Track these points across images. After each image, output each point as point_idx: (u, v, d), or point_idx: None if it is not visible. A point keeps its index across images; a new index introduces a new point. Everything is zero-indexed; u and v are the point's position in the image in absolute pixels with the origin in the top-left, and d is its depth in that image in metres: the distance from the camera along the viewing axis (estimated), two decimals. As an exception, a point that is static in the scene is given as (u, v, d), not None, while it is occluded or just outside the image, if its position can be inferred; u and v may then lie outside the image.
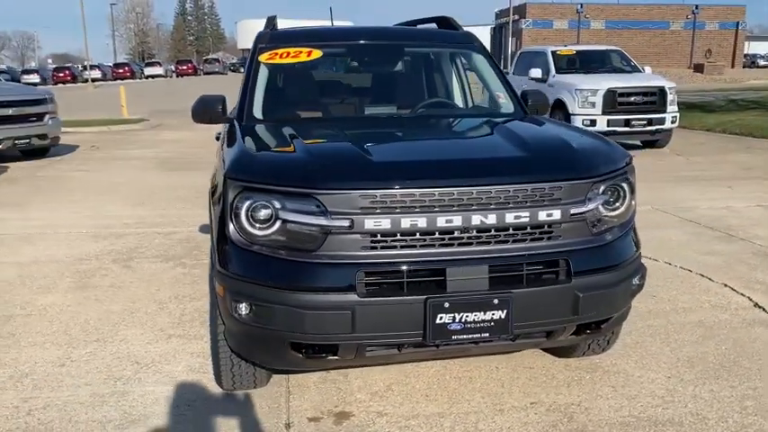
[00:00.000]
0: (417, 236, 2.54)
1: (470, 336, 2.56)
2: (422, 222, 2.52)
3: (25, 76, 51.39)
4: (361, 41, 4.14)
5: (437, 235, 2.56)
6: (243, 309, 2.60)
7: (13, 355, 3.64)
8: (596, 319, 2.80)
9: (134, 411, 3.04)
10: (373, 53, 4.18)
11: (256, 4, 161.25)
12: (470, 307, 2.53)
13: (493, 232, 2.60)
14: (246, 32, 71.79)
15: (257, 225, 2.59)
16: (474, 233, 2.58)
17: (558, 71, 12.75)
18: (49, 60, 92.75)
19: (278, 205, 2.56)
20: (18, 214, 7.29)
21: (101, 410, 3.05)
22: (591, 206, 2.73)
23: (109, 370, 3.46)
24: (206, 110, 3.65)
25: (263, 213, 2.58)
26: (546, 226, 2.65)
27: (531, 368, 3.45)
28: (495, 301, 2.54)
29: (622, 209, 2.91)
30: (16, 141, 10.99)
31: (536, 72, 12.81)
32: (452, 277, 2.54)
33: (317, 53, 3.95)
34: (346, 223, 2.50)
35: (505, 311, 2.55)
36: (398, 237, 2.53)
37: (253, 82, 3.83)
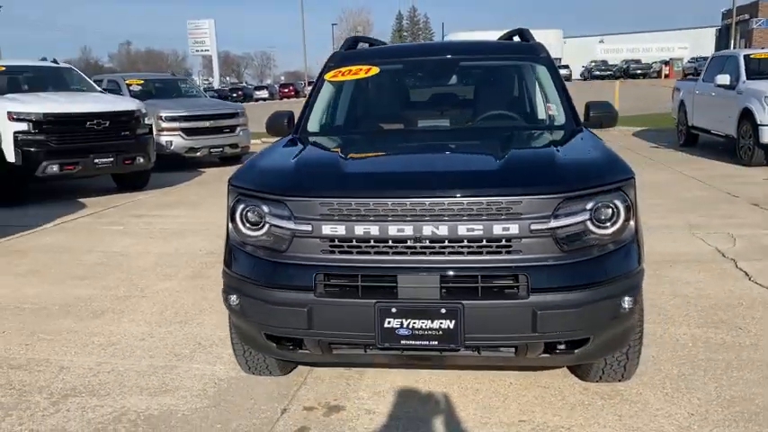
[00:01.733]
0: (372, 243, 2.69)
1: (418, 342, 2.65)
2: (375, 230, 2.67)
3: (257, 92, 57.78)
4: (420, 57, 4.31)
5: (390, 243, 2.68)
6: (233, 300, 2.95)
7: (113, 328, 4.37)
8: (564, 339, 2.70)
9: (171, 383, 3.54)
10: (429, 68, 4.32)
11: (468, 18, 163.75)
12: (417, 314, 2.62)
13: (446, 243, 2.65)
14: (455, 45, 73.57)
15: (249, 227, 2.92)
16: (427, 243, 2.66)
17: (750, 77, 11.45)
18: (282, 77, 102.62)
19: (266, 210, 2.87)
20: (188, 211, 8.46)
21: (147, 379, 3.59)
22: (562, 222, 2.66)
23: (174, 347, 4.03)
24: (274, 124, 4.09)
25: (254, 217, 2.90)
26: (504, 240, 2.64)
27: (544, 387, 3.36)
28: (443, 310, 2.60)
29: (615, 227, 2.77)
30: (211, 150, 12.62)
31: (723, 78, 11.62)
32: (403, 284, 2.65)
33: (374, 70, 4.19)
34: (308, 228, 2.73)
35: (454, 321, 2.60)
36: (354, 243, 2.70)
37: (314, 98, 4.20)
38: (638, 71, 59.31)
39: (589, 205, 2.72)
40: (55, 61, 11.12)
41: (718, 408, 3.11)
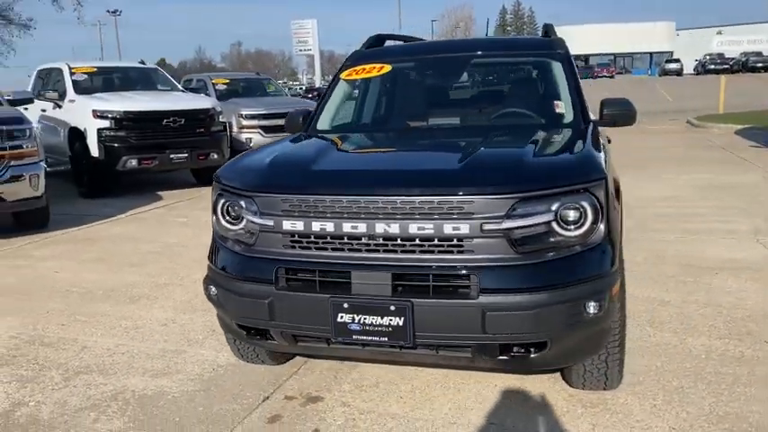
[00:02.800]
0: (328, 239, 2.75)
1: (370, 338, 2.68)
2: (330, 227, 2.72)
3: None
4: (432, 55, 4.29)
5: (346, 240, 2.73)
6: (212, 291, 3.10)
7: (143, 313, 4.67)
8: (516, 342, 2.64)
9: (174, 366, 3.75)
10: (439, 67, 4.28)
11: (576, 10, 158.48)
12: (368, 310, 2.65)
13: (399, 241, 2.66)
14: (559, 40, 71.45)
15: (229, 221, 3.05)
16: (380, 241, 2.68)
17: None
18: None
19: (243, 205, 2.99)
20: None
21: (154, 362, 3.82)
22: (518, 223, 2.60)
23: (189, 333, 4.25)
24: (291, 122, 4.24)
25: (233, 211, 3.03)
26: (455, 240, 2.61)
27: (529, 391, 3.29)
28: (392, 307, 2.62)
29: (582, 230, 2.68)
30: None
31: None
32: (357, 281, 2.68)
33: (386, 68, 4.24)
34: (271, 223, 2.83)
35: (403, 319, 2.61)
36: (312, 239, 2.77)
37: (327, 97, 4.30)
38: (759, 64, 55.25)
39: (554, 206, 2.65)
40: (142, 62, 11.87)
41: (705, 423, 2.94)
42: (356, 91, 4.40)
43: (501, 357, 2.71)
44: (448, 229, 2.60)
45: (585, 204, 2.67)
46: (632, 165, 10.76)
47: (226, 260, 3.03)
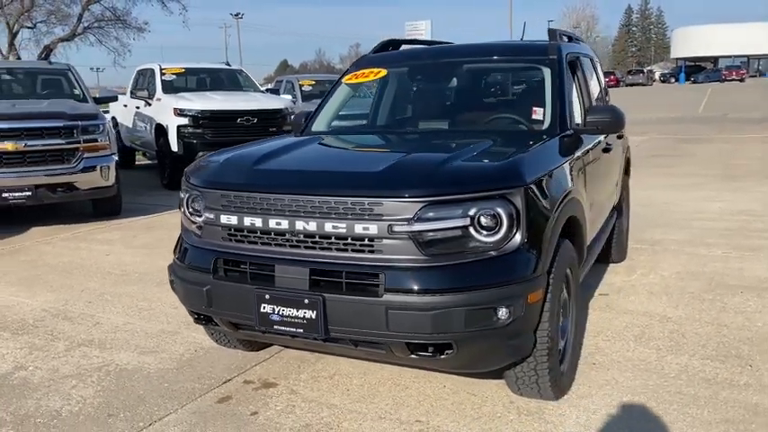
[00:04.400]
0: (258, 233, 2.93)
1: (288, 329, 2.83)
2: (259, 222, 2.91)
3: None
4: (425, 61, 4.37)
5: (272, 235, 2.90)
6: (170, 278, 3.37)
7: (162, 295, 5.04)
8: (417, 341, 2.69)
9: (162, 346, 4.07)
10: (430, 72, 4.35)
11: (708, 11, 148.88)
12: (285, 302, 2.81)
13: (317, 239, 2.80)
14: (682, 41, 67.36)
15: (191, 214, 3.30)
16: (301, 237, 2.83)
17: None
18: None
19: (198, 199, 3.24)
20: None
21: (148, 340, 4.16)
22: (428, 226, 2.66)
23: (190, 318, 4.57)
24: (296, 122, 4.48)
25: (195, 205, 3.29)
26: (366, 239, 2.72)
27: (472, 394, 3.31)
28: (306, 301, 2.76)
29: (498, 236, 2.71)
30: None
31: None
32: (280, 274, 2.85)
33: (382, 73, 4.37)
34: (212, 216, 3.06)
35: (315, 312, 2.75)
36: (245, 233, 2.97)
37: (326, 100, 4.49)
38: None
39: (471, 211, 2.69)
40: (227, 64, 12.58)
41: (632, 441, 2.86)
42: (351, 94, 4.55)
43: (413, 356, 2.78)
44: (359, 228, 2.71)
45: (501, 211, 2.69)
46: (721, 176, 10.17)
47: (181, 251, 3.29)
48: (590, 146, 3.96)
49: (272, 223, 2.87)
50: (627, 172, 5.84)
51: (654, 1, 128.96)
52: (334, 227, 2.75)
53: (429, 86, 4.45)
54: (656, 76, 68.97)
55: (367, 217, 2.70)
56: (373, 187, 2.74)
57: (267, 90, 13.24)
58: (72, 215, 8.35)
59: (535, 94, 3.92)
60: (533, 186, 2.81)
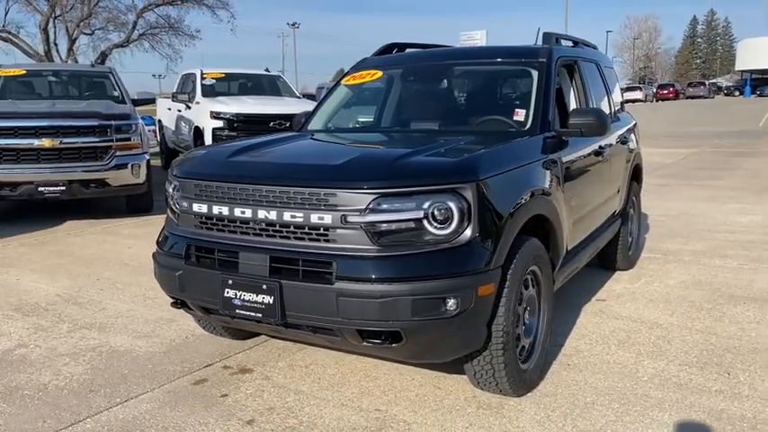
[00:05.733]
0: (226, 221, 3.08)
1: (248, 313, 2.95)
2: (225, 211, 3.05)
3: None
4: (419, 63, 4.46)
5: (238, 223, 3.04)
6: (153, 264, 3.55)
7: (170, 286, 5.28)
8: (366, 328, 2.77)
9: (157, 331, 4.26)
10: (422, 74, 4.44)
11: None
12: (247, 288, 2.93)
13: (277, 227, 2.92)
14: (748, 52, 64.96)
15: (174, 203, 3.47)
16: (263, 226, 2.96)
17: None
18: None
19: (178, 189, 3.40)
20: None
21: (144, 326, 4.37)
22: (381, 217, 2.74)
23: (191, 307, 4.77)
24: (296, 121, 4.65)
25: (176, 194, 3.46)
26: (322, 229, 2.82)
27: (437, 387, 3.37)
28: (264, 286, 2.88)
29: (449, 229, 2.78)
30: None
31: None
32: (243, 260, 2.98)
33: (377, 74, 4.48)
34: (186, 205, 3.22)
35: (273, 298, 2.86)
36: (214, 221, 3.12)
37: (325, 99, 4.63)
38: None
39: (426, 204, 2.76)
40: (267, 70, 12.92)
41: (582, 439, 2.86)
42: (348, 95, 4.67)
43: (366, 343, 2.87)
44: (315, 218, 2.82)
45: (452, 205, 2.76)
46: (761, 190, 9.85)
47: (162, 238, 3.47)
48: (577, 148, 3.97)
49: (237, 212, 3.01)
50: (637, 179, 5.76)
51: (721, 11, 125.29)
52: (292, 216, 2.87)
53: (423, 88, 4.54)
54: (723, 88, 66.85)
55: (323, 207, 2.81)
56: (329, 179, 2.84)
57: (303, 95, 13.51)
58: (105, 211, 8.75)
59: (522, 96, 3.96)
60: (487, 182, 2.86)
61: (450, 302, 2.73)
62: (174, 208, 3.39)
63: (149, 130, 12.84)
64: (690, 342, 3.96)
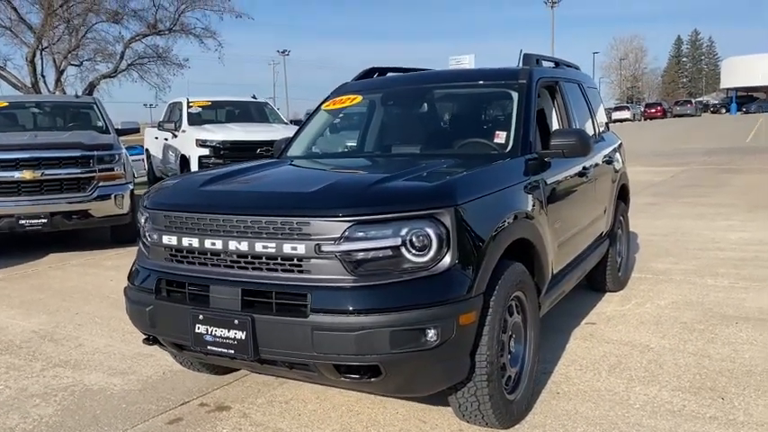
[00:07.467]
0: (196, 254, 2.96)
1: (220, 349, 2.83)
2: (195, 243, 2.94)
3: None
4: (398, 87, 4.40)
5: (208, 255, 2.92)
6: (124, 300, 3.42)
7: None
8: (343, 363, 2.65)
9: (134, 368, 4.11)
10: (402, 98, 4.38)
11: (763, 39, 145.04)
12: (217, 323, 2.81)
13: (249, 259, 2.81)
14: (732, 71, 65.65)
15: (145, 235, 3.35)
16: (235, 257, 2.85)
17: None
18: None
19: (149, 221, 3.29)
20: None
21: (121, 362, 4.21)
22: (356, 246, 2.64)
23: (171, 341, 4.63)
24: (276, 146, 4.58)
25: (147, 227, 3.34)
26: (295, 259, 2.71)
27: (422, 421, 3.24)
28: (236, 321, 2.76)
29: (428, 256, 2.67)
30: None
31: None
32: (214, 294, 2.86)
33: (357, 99, 4.41)
34: (156, 237, 3.11)
35: (245, 333, 2.74)
36: (184, 253, 3.00)
37: (304, 126, 4.56)
38: None
39: (403, 231, 2.66)
40: (254, 97, 12.89)
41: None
42: (327, 120, 4.60)
43: (344, 379, 2.74)
44: (288, 248, 2.71)
45: (429, 231, 2.66)
46: (750, 206, 9.80)
47: (133, 272, 3.34)
48: (560, 169, 3.89)
49: (208, 243, 2.90)
50: (624, 199, 5.69)
51: (705, 31, 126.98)
52: (264, 246, 2.76)
53: (403, 112, 4.48)
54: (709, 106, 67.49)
55: (296, 237, 2.70)
56: (301, 207, 2.74)
57: (291, 122, 13.48)
58: (90, 242, 8.61)
59: (502, 118, 3.90)
60: (466, 206, 2.77)
61: (431, 333, 2.62)
62: (144, 240, 3.27)
63: (139, 159, 12.79)
64: (682, 366, 3.85)
